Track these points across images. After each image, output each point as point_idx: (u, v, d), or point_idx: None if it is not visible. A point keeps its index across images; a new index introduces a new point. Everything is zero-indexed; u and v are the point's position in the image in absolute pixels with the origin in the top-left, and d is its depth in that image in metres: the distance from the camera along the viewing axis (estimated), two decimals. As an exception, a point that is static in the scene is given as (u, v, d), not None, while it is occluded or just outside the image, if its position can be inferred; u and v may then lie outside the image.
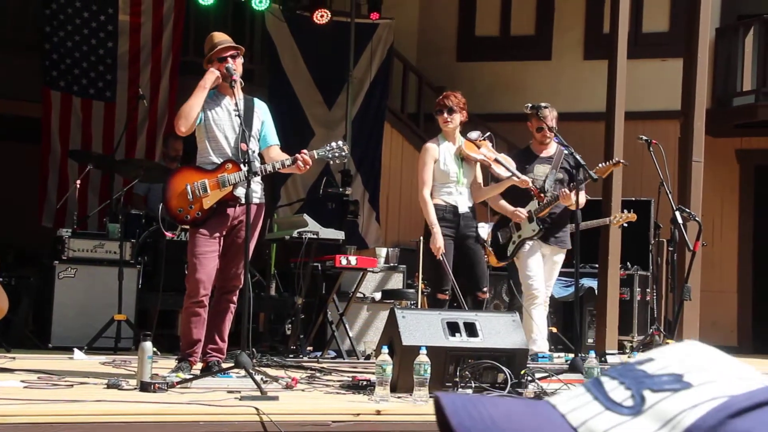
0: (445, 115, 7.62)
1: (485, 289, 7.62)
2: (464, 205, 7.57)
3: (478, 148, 7.59)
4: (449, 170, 7.56)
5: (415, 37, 15.12)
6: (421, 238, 7.54)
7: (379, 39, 13.32)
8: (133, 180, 9.58)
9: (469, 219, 7.60)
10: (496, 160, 7.60)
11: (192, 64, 9.70)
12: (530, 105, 7.18)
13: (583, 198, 8.00)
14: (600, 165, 7.97)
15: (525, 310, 7.98)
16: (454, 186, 7.58)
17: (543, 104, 7.94)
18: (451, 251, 7.50)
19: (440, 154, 7.60)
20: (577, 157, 7.04)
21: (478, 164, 7.69)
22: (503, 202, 8.12)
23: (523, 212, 8.00)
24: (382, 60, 13.39)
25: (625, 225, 8.61)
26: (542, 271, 8.04)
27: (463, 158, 7.62)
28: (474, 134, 7.66)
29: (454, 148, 7.63)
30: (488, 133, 7.74)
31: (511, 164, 7.69)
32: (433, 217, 7.43)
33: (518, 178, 7.60)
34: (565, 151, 7.56)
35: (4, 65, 11.67)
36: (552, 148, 7.95)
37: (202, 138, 6.24)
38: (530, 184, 7.72)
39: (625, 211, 8.44)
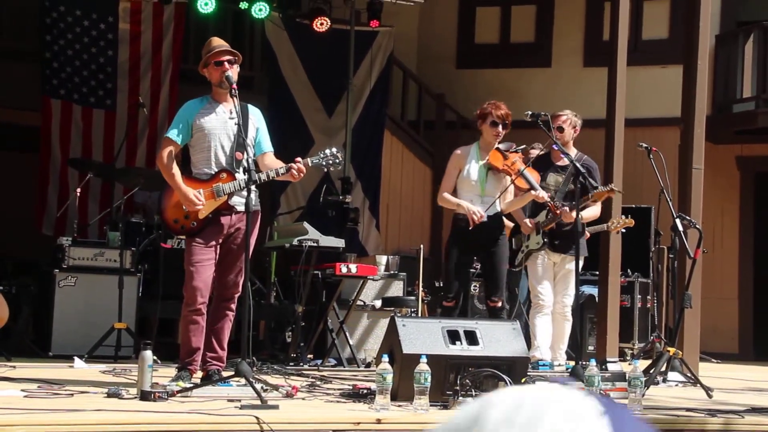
0: (500, 128, 7.48)
1: (495, 297, 7.53)
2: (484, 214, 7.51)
3: (505, 159, 7.51)
4: (472, 180, 7.50)
5: (414, 44, 15.13)
6: (421, 246, 7.52)
7: (379, 47, 13.32)
8: (134, 188, 9.59)
9: (489, 228, 7.51)
10: (520, 173, 7.52)
11: (192, 72, 9.67)
12: (530, 113, 7.16)
13: (597, 210, 7.97)
14: (598, 188, 7.96)
15: (530, 318, 7.97)
16: (476, 196, 7.50)
17: (570, 112, 7.94)
18: (459, 260, 7.49)
19: (468, 162, 7.54)
20: (578, 165, 7.03)
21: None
22: (519, 211, 8.14)
23: (528, 223, 8.00)
24: (381, 67, 13.39)
25: (624, 230, 8.60)
26: (551, 280, 8.01)
27: (490, 168, 7.54)
28: (503, 145, 7.58)
29: (483, 159, 7.57)
30: (523, 146, 7.67)
31: (536, 178, 7.63)
32: (457, 201, 7.45)
33: (535, 192, 7.54)
34: (566, 159, 7.55)
35: (3, 74, 11.67)
36: (571, 155, 7.77)
37: (196, 147, 6.22)
38: (547, 199, 7.66)
39: (623, 216, 8.43)
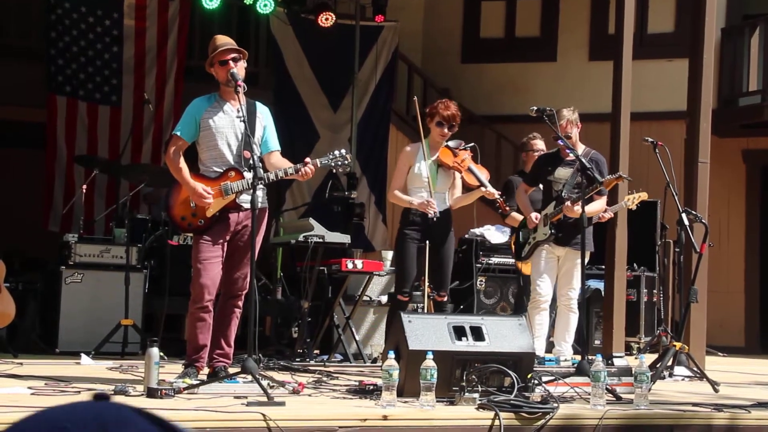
0: (446, 130, 7.64)
1: (443, 293, 7.66)
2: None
3: (455, 156, 7.62)
4: (422, 175, 7.60)
5: (419, 39, 15.13)
6: (427, 242, 7.51)
7: (384, 41, 13.31)
8: (139, 185, 9.61)
9: (441, 223, 7.58)
10: (469, 170, 7.63)
11: (197, 68, 9.70)
12: (535, 108, 7.14)
13: (603, 204, 7.95)
14: (605, 177, 7.95)
15: (528, 313, 7.96)
16: (425, 191, 7.58)
17: (566, 108, 7.92)
18: (414, 254, 7.53)
19: (417, 159, 7.63)
20: (584, 161, 7.02)
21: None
22: (527, 205, 8.15)
23: (534, 216, 8.01)
24: (387, 62, 13.39)
25: (639, 205, 8.51)
26: (551, 276, 8.00)
27: (440, 165, 7.66)
28: (453, 143, 7.70)
29: (433, 155, 7.65)
30: (471, 144, 7.78)
31: (485, 176, 7.69)
32: (409, 198, 7.59)
33: (485, 188, 7.62)
34: (571, 154, 7.52)
35: (8, 71, 11.68)
36: (578, 151, 7.73)
37: (204, 146, 6.23)
38: (497, 197, 7.74)
39: (635, 191, 8.37)
